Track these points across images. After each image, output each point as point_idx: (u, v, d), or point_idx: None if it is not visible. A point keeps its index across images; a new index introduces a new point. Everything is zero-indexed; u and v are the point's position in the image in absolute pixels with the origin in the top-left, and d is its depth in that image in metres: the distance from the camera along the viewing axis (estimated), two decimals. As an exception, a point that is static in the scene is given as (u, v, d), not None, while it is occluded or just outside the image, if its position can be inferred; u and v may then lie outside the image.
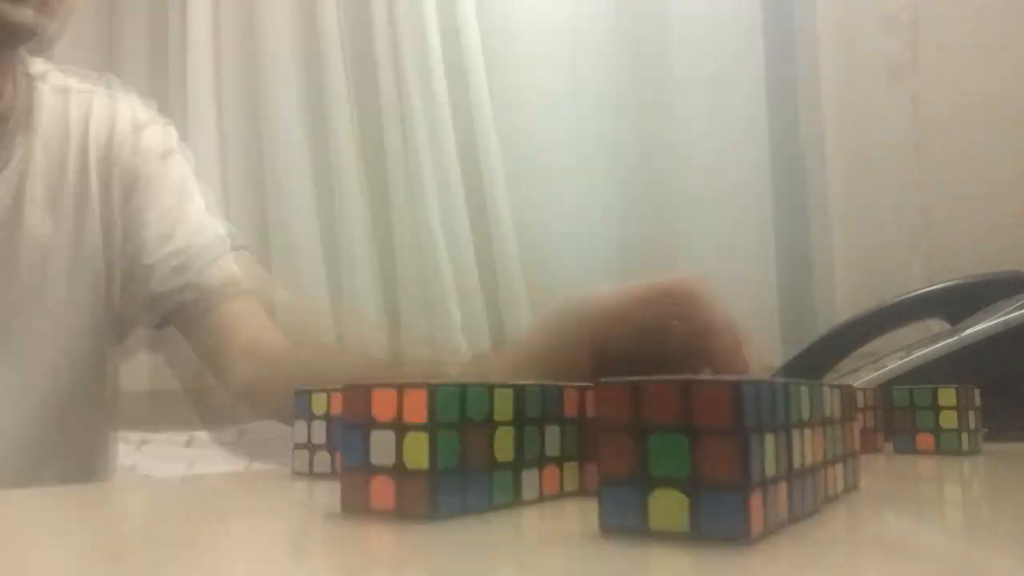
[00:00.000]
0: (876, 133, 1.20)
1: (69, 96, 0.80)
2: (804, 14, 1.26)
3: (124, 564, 0.21)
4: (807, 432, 0.25)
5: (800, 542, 0.22)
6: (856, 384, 0.65)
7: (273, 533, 0.25)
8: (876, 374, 0.65)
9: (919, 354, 0.64)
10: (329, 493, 0.32)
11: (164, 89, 1.56)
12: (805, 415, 0.25)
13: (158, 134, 0.84)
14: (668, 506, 0.21)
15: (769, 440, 0.22)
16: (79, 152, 0.79)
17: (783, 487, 0.23)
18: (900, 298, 0.83)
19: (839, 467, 0.29)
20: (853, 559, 0.21)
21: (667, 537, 0.21)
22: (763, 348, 0.57)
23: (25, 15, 0.64)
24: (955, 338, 0.64)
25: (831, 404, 0.28)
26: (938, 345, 0.64)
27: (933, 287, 0.82)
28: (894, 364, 0.65)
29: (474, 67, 1.38)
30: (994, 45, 1.16)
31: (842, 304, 1.18)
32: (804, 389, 0.25)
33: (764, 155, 1.27)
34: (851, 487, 0.31)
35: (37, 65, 0.79)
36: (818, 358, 0.83)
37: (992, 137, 1.15)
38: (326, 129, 1.47)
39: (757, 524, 0.21)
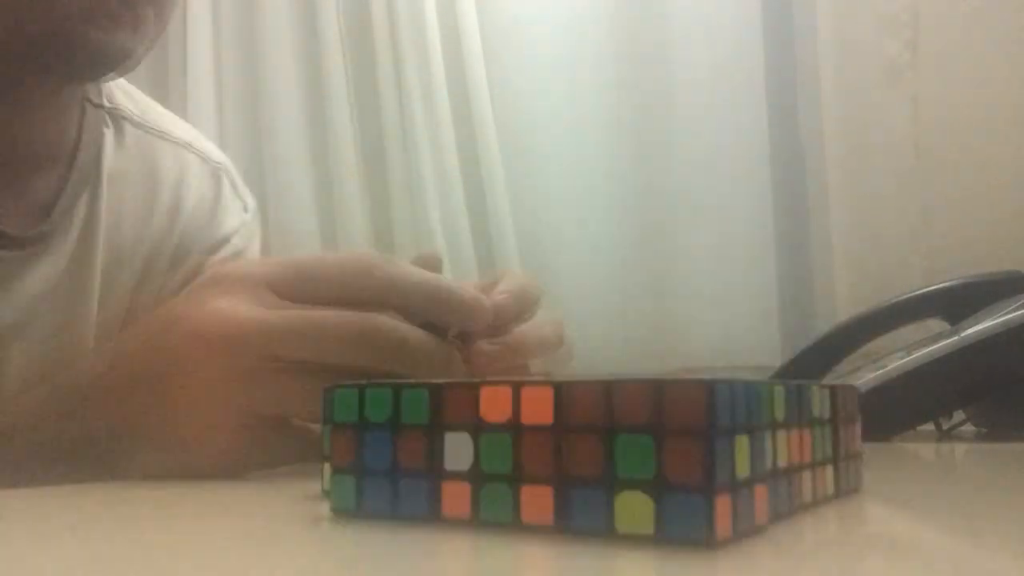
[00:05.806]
0: (876, 133, 1.20)
1: (160, 145, 0.66)
2: (804, 14, 1.26)
3: (97, 568, 0.21)
4: (788, 433, 0.25)
5: (777, 546, 0.22)
6: (856, 384, 0.65)
7: (260, 534, 0.25)
8: (876, 374, 0.65)
9: (919, 354, 0.64)
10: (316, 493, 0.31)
11: (164, 87, 1.55)
12: (787, 416, 0.25)
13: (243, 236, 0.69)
14: (633, 508, 0.21)
15: (742, 442, 0.22)
16: (165, 231, 0.64)
17: (759, 490, 0.23)
18: (900, 298, 0.82)
19: (829, 469, 0.28)
20: (831, 562, 0.21)
21: (632, 540, 0.21)
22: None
23: (121, 41, 0.51)
24: (955, 338, 0.63)
25: (820, 405, 0.28)
26: (938, 345, 0.64)
27: (933, 287, 0.81)
28: (894, 364, 0.65)
29: (474, 67, 1.38)
30: (994, 45, 1.16)
31: (842, 304, 1.18)
32: (781, 389, 0.25)
33: (764, 155, 1.27)
34: (850, 490, 0.30)
35: (106, 90, 0.63)
36: (818, 358, 0.82)
37: (992, 137, 1.15)
38: (326, 129, 1.47)
39: (724, 527, 0.20)
